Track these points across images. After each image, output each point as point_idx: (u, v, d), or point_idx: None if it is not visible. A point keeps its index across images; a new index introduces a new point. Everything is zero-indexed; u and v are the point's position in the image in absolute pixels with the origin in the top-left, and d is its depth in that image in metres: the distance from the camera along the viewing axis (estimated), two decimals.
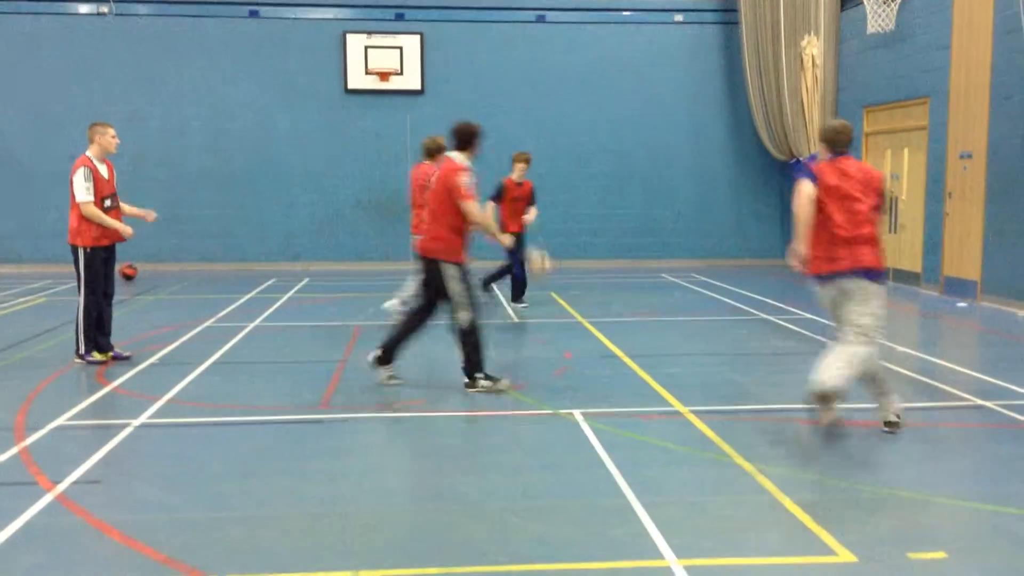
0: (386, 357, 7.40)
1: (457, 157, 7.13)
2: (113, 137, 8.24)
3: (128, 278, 14.96)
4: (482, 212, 7.16)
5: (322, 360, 8.41)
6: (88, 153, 8.16)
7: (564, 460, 5.52)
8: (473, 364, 7.16)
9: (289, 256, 16.95)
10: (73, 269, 8.12)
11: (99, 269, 8.12)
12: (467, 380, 7.20)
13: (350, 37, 16.82)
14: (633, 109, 17.32)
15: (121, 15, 16.56)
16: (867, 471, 5.27)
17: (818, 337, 9.46)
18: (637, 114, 17.34)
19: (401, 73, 16.93)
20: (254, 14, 16.86)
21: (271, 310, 11.46)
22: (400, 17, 17.07)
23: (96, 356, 8.15)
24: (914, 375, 7.75)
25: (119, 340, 8.61)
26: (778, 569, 3.98)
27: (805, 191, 5.93)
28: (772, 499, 4.78)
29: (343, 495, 4.91)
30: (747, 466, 5.30)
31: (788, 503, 4.71)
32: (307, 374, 7.89)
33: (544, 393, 7.08)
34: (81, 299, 8.07)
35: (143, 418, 6.35)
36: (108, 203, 8.14)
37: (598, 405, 6.72)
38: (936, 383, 7.44)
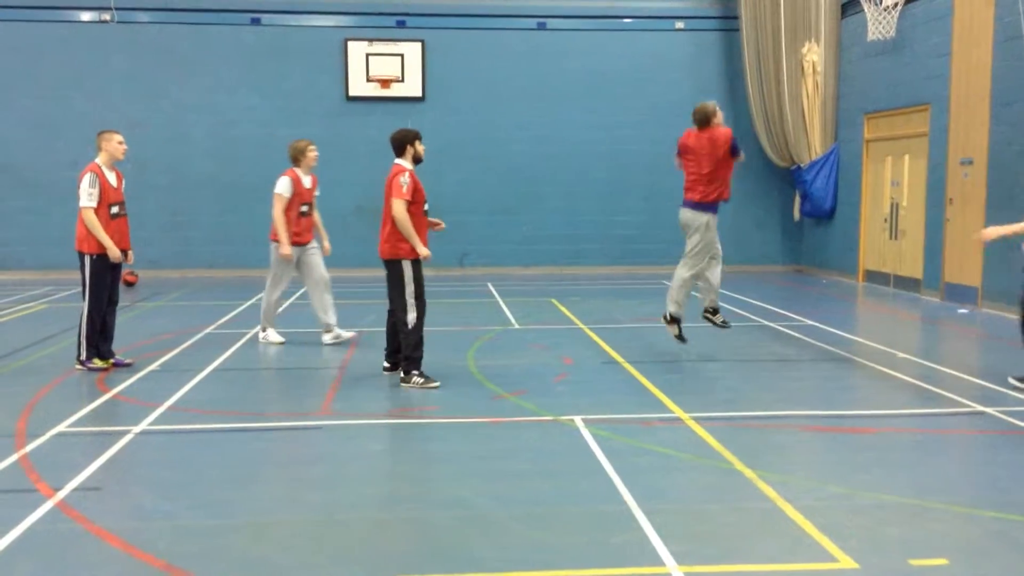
0: (394, 366, 7.96)
1: (400, 162, 7.74)
2: (120, 144, 8.28)
3: (129, 284, 14.96)
4: (404, 214, 7.40)
5: (322, 367, 8.40)
6: (97, 160, 8.18)
7: (565, 467, 5.51)
8: (411, 361, 7.53)
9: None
10: (79, 275, 8.11)
11: (104, 276, 8.12)
12: (402, 375, 7.58)
13: (351, 44, 16.85)
14: (633, 115, 17.33)
15: (123, 23, 16.59)
16: (868, 477, 5.26)
17: (820, 344, 9.46)
18: (637, 120, 17.35)
19: (402, 80, 16.95)
20: (256, 21, 16.89)
21: None
22: (401, 24, 17.10)
23: (97, 363, 8.14)
24: (915, 381, 7.74)
25: (120, 347, 8.61)
26: None
27: None
28: (773, 506, 4.78)
29: (344, 502, 4.90)
30: (748, 473, 5.29)
31: (789, 510, 4.70)
32: (307, 381, 7.88)
33: (544, 399, 7.08)
34: (85, 305, 8.07)
35: (143, 425, 6.35)
36: (115, 210, 8.15)
37: (599, 411, 6.71)
38: (937, 389, 7.43)
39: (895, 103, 14.34)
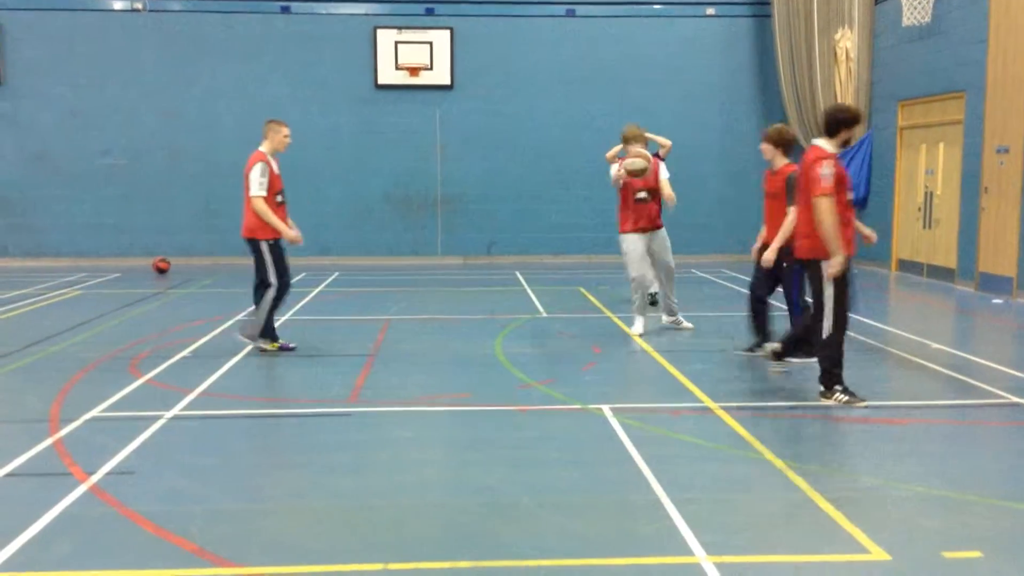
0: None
1: (821, 144, 6.65)
2: (286, 137, 8.37)
3: (161, 272, 15.12)
4: (829, 211, 6.30)
5: (352, 354, 8.44)
6: (262, 149, 8.26)
7: (593, 456, 5.50)
8: (830, 376, 6.61)
9: (318, 250, 17.01)
10: (253, 262, 8.27)
11: (282, 258, 8.29)
12: (823, 390, 6.67)
13: (380, 32, 16.87)
14: (664, 103, 17.20)
15: (155, 11, 16.72)
16: (901, 468, 5.20)
17: (852, 334, 9.32)
18: (668, 108, 17.22)
19: (431, 68, 16.95)
20: (286, 10, 16.95)
21: (301, 304, 11.53)
22: (430, 12, 17.09)
23: (271, 345, 8.34)
24: (949, 372, 7.64)
25: (153, 332, 8.70)
26: (810, 567, 3.94)
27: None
28: (804, 496, 4.73)
29: (373, 488, 4.93)
30: (778, 463, 5.25)
31: (820, 500, 4.66)
32: (337, 368, 7.92)
33: (573, 388, 7.06)
34: (272, 288, 8.20)
35: (176, 410, 6.41)
36: (279, 199, 8.27)
37: (627, 400, 6.69)
38: (971, 380, 7.33)
39: (930, 90, 14.12)
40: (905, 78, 14.85)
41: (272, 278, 8.25)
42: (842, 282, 6.45)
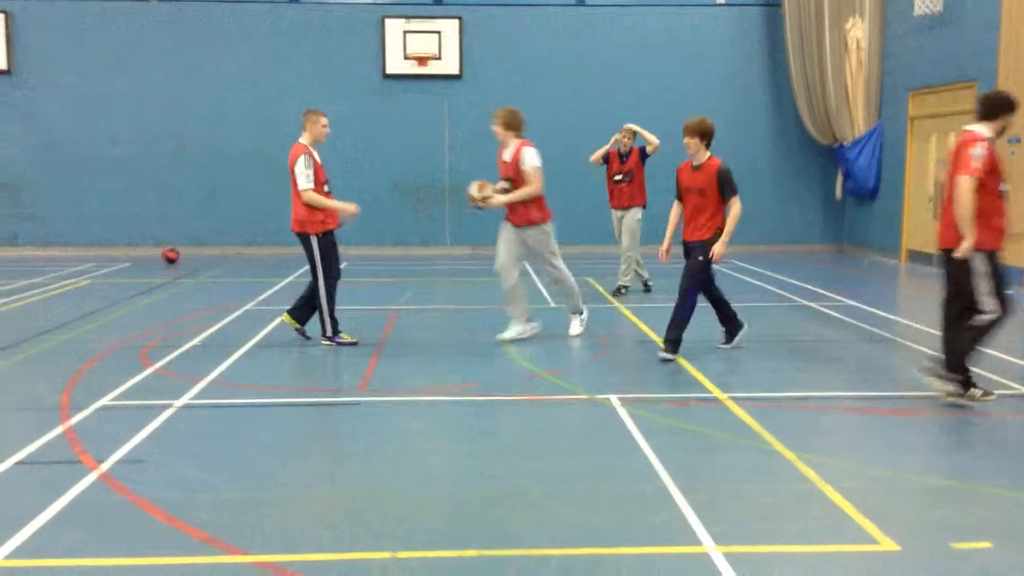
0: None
1: (976, 129, 6.31)
2: (325, 126, 8.34)
3: (170, 261, 15.15)
4: (969, 191, 6.14)
5: (360, 343, 8.44)
6: (303, 140, 8.24)
7: (601, 445, 5.50)
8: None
9: None
10: (305, 255, 8.28)
11: (332, 252, 8.30)
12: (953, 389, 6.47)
13: (388, 22, 16.83)
14: (674, 93, 17.13)
15: (163, 1, 16.71)
16: (910, 459, 5.19)
17: (862, 324, 9.33)
18: (677, 98, 17.14)
19: (439, 58, 16.90)
20: (294, 0, 16.92)
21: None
22: (439, 2, 17.04)
23: (345, 337, 8.32)
24: None
25: (163, 322, 8.72)
26: (819, 557, 3.93)
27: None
28: (813, 487, 4.73)
29: (381, 478, 4.94)
30: (787, 454, 5.24)
31: (829, 491, 4.65)
32: (346, 357, 7.93)
33: (580, 378, 7.06)
34: (321, 284, 8.21)
35: (185, 399, 6.43)
36: (326, 188, 8.27)
37: (635, 391, 6.69)
38: (982, 371, 7.29)
39: (941, 79, 14.03)
40: (916, 67, 14.77)
41: (320, 273, 8.23)
42: (995, 273, 6.19)
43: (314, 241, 8.18)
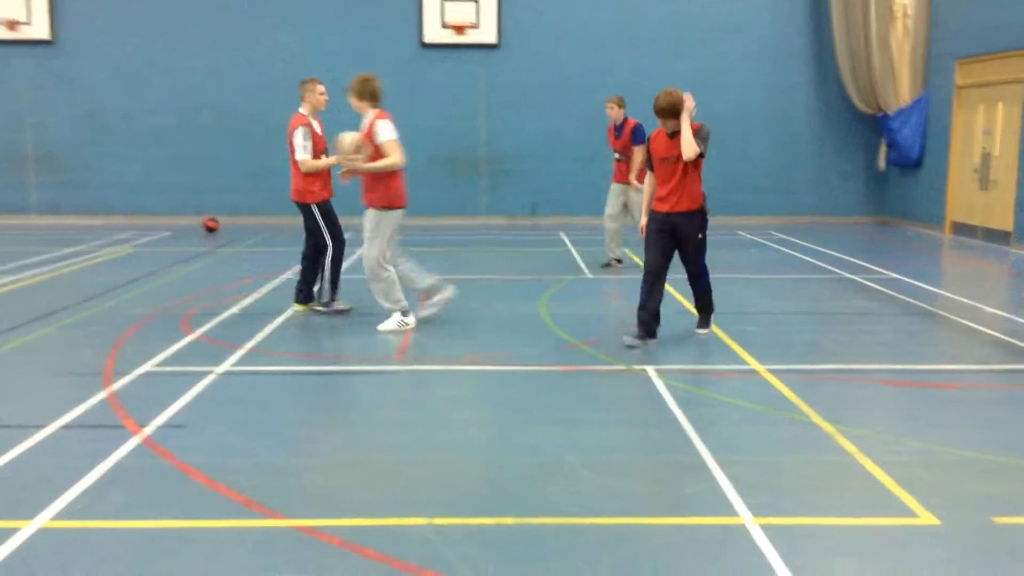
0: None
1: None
2: (322, 95, 8.38)
3: (210, 230, 15.30)
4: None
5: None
6: (301, 110, 8.31)
7: (637, 416, 5.49)
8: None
9: (362, 210, 17.11)
10: (304, 225, 8.38)
11: (334, 216, 8.39)
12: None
13: None
14: (714, 61, 16.88)
15: None
16: (951, 433, 5.12)
17: (903, 297, 9.19)
18: (717, 67, 16.90)
19: (477, 26, 16.79)
20: None
21: (347, 264, 11.58)
22: None
23: (340, 305, 8.42)
24: (1003, 336, 7.48)
25: (203, 290, 8.82)
26: (857, 530, 3.90)
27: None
28: (852, 460, 4.68)
29: (418, 445, 4.97)
30: (826, 426, 5.19)
31: (868, 464, 4.61)
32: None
33: (617, 349, 7.04)
34: (329, 249, 8.33)
35: (225, 366, 6.51)
36: (323, 159, 8.35)
37: (672, 362, 6.66)
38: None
39: (989, 47, 13.68)
40: (964, 35, 14.41)
41: (328, 239, 8.32)
42: None
43: (315, 209, 8.27)
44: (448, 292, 8.16)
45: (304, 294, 8.52)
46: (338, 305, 8.44)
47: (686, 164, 7.01)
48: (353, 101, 7.68)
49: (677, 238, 7.21)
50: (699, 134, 6.98)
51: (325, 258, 8.37)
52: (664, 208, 7.14)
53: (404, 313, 7.82)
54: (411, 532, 3.87)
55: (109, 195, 17.12)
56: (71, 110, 16.93)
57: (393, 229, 7.80)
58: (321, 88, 8.35)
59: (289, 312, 8.43)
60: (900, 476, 4.43)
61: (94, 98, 16.91)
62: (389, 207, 7.75)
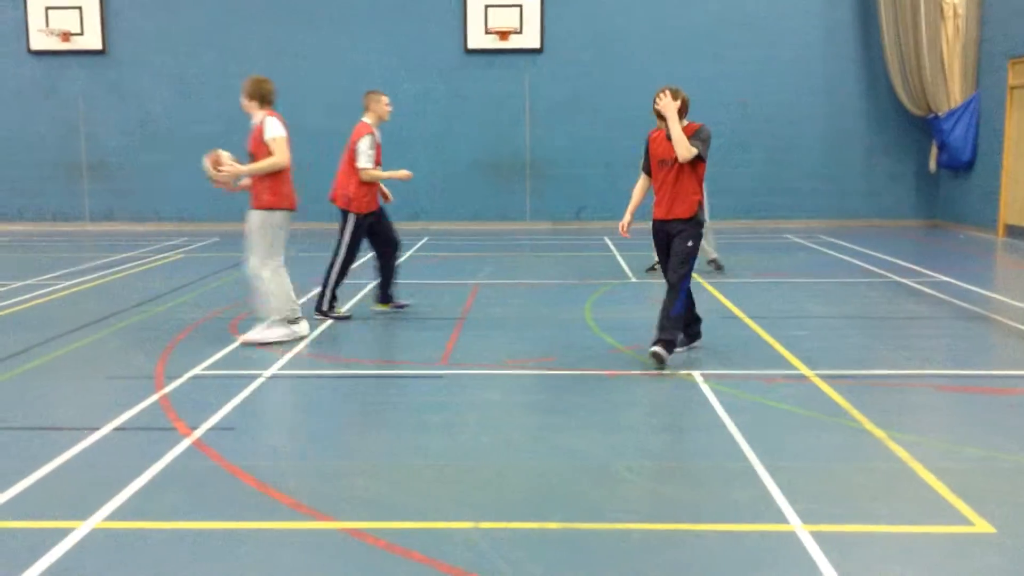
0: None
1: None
2: (387, 105, 8.53)
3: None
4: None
5: (442, 317, 8.52)
6: (367, 120, 8.47)
7: (684, 421, 5.44)
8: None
9: (408, 216, 17.18)
10: (338, 229, 8.49)
11: (363, 235, 8.47)
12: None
13: None
14: (759, 63, 16.74)
15: None
16: (1007, 440, 5.00)
17: (956, 301, 9.02)
18: (762, 69, 16.76)
19: (520, 32, 16.82)
20: None
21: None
22: None
23: (339, 312, 8.48)
24: None
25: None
26: (910, 538, 3.83)
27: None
28: (904, 466, 4.60)
29: (463, 449, 4.98)
30: (877, 432, 5.11)
31: (921, 471, 4.52)
32: (428, 331, 8.01)
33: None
34: (339, 259, 8.40)
35: (273, 369, 6.59)
36: (379, 170, 8.49)
37: (718, 367, 6.59)
38: None
39: None
40: (1017, 34, 14.11)
41: (344, 249, 8.37)
42: None
43: (352, 219, 8.33)
44: (302, 329, 7.52)
45: (382, 292, 8.67)
46: (338, 312, 8.44)
47: (682, 168, 6.64)
48: (243, 101, 7.54)
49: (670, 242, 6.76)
50: (698, 135, 6.63)
51: (332, 266, 8.39)
52: (659, 214, 6.75)
53: (293, 321, 7.44)
54: (457, 536, 3.87)
55: (159, 202, 17.44)
56: (122, 119, 17.29)
57: (277, 232, 7.38)
58: (386, 99, 8.48)
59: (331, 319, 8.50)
60: (954, 483, 4.34)
61: (144, 107, 17.25)
62: (273, 208, 7.36)
